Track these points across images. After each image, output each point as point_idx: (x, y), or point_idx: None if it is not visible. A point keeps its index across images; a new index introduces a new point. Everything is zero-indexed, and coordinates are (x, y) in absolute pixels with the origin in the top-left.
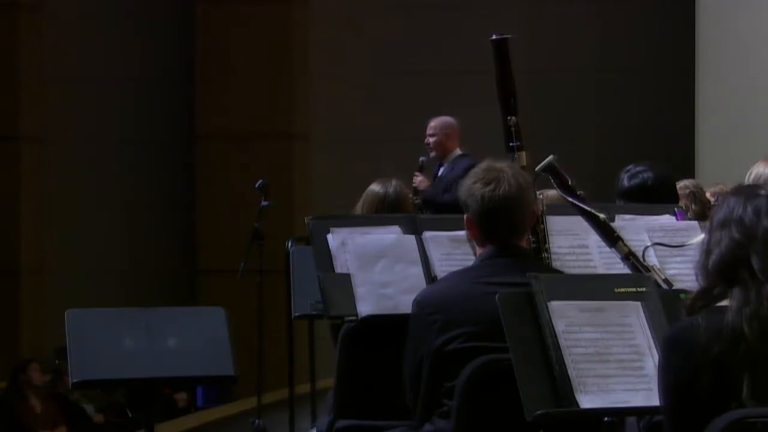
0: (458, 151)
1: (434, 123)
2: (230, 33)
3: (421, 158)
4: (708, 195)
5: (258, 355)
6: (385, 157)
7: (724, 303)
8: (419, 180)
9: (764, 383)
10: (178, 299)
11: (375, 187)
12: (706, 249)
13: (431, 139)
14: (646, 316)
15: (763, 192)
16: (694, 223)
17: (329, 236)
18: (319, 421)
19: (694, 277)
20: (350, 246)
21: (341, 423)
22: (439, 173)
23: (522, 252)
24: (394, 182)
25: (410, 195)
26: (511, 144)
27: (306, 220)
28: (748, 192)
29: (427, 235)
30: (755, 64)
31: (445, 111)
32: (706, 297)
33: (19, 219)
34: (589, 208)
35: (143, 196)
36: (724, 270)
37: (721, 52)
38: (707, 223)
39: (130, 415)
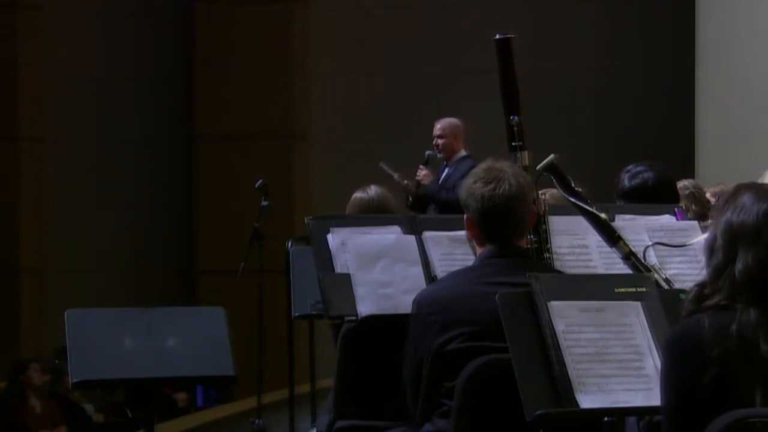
0: (463, 152)
1: (442, 124)
2: (230, 33)
3: (427, 152)
4: (708, 195)
5: (258, 355)
6: (385, 158)
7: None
8: (423, 174)
9: None
10: (178, 299)
11: (357, 194)
12: (727, 250)
13: (440, 141)
14: (646, 316)
15: None
16: (694, 223)
17: (329, 236)
18: (319, 421)
19: (694, 277)
20: (350, 246)
21: (341, 423)
22: (444, 174)
23: (522, 252)
24: (373, 187)
25: (411, 186)
26: (513, 144)
27: (306, 220)
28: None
29: (427, 235)
30: (755, 64)
31: (445, 111)
32: (713, 298)
33: (19, 219)
34: (590, 208)
35: (143, 196)
36: (755, 284)
37: (721, 52)
38: (716, 217)
39: (130, 415)
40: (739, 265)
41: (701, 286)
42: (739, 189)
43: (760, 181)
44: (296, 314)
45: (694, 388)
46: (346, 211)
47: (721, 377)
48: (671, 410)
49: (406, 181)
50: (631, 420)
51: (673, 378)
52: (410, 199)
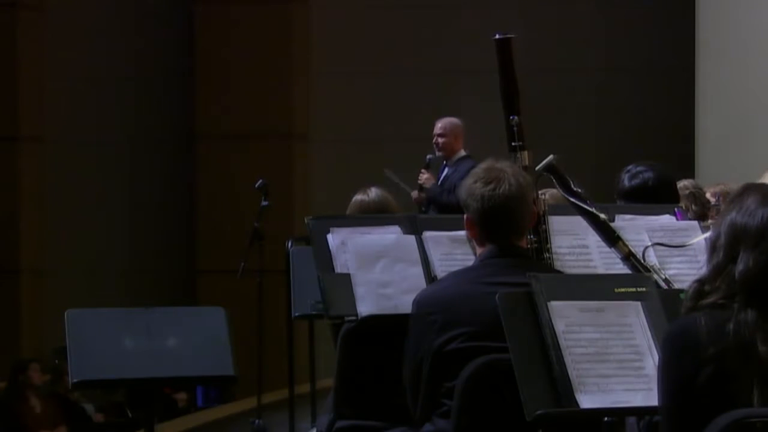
0: (462, 152)
1: (443, 123)
2: (230, 33)
3: (428, 156)
4: (708, 195)
5: (258, 355)
6: (385, 158)
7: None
8: (425, 178)
9: None
10: (178, 299)
11: (357, 196)
12: (728, 250)
13: (441, 140)
14: (646, 316)
15: None
16: (695, 223)
17: (329, 236)
18: (319, 421)
19: (694, 277)
20: (350, 246)
21: (341, 423)
22: (444, 174)
23: (522, 252)
24: (373, 189)
25: (415, 192)
26: (513, 144)
27: (306, 220)
28: None
29: (427, 235)
30: (755, 64)
31: (445, 111)
32: (711, 296)
33: (19, 219)
34: (589, 208)
35: (143, 196)
36: (753, 286)
37: (721, 52)
38: (721, 215)
39: (130, 415)
40: (739, 266)
41: (701, 282)
42: (746, 189)
43: (759, 181)
44: (296, 314)
45: (691, 386)
46: (347, 213)
47: (717, 375)
48: (668, 408)
49: (416, 191)
50: (631, 420)
51: (670, 375)
52: (422, 208)
